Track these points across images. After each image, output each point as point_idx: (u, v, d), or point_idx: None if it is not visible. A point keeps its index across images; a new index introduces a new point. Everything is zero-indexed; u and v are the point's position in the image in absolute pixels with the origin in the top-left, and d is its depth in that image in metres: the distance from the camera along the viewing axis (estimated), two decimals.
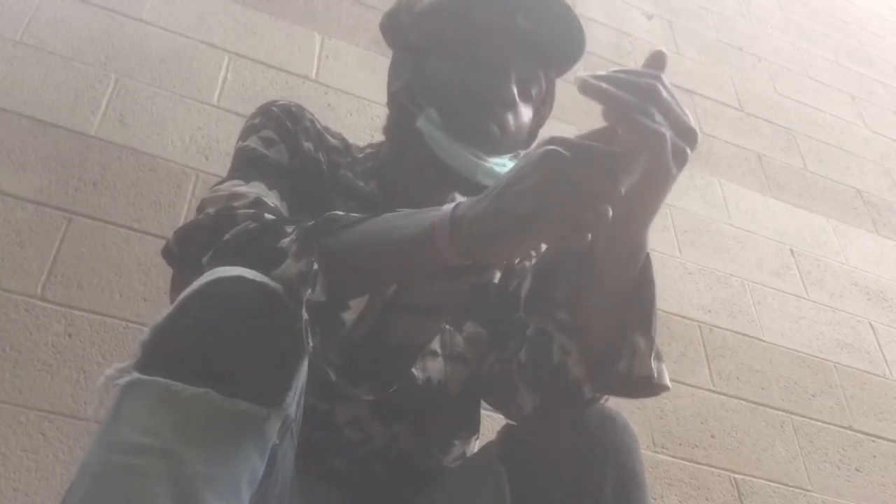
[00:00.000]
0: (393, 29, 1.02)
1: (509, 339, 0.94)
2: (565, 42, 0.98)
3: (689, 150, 0.67)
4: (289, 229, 0.73)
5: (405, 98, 0.96)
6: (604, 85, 0.64)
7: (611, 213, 0.61)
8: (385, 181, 1.01)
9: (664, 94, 0.65)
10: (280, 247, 0.71)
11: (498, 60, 0.94)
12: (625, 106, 0.63)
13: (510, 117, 0.94)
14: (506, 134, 0.93)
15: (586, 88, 0.64)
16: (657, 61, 0.68)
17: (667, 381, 0.77)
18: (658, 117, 0.64)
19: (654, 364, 0.76)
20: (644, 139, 0.63)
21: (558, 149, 0.62)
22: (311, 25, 2.07)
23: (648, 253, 0.75)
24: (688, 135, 0.67)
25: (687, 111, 0.67)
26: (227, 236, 0.75)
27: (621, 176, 0.62)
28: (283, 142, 0.94)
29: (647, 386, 0.76)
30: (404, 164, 1.00)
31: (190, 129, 1.69)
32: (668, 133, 0.64)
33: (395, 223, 0.71)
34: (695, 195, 2.31)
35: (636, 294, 0.75)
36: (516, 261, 1.05)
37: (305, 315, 0.65)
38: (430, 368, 0.94)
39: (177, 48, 1.82)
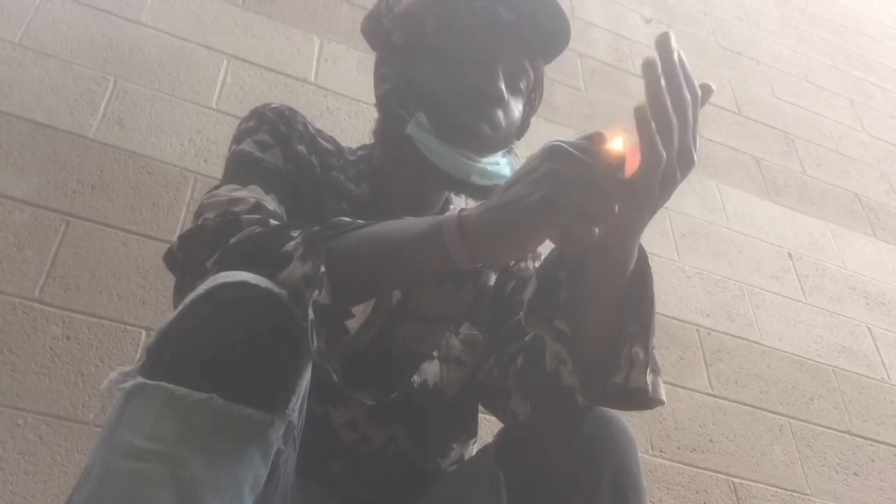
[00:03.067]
0: (375, 32, 1.02)
1: (508, 343, 0.94)
2: (550, 29, 0.97)
3: (680, 177, 0.64)
4: (294, 233, 0.73)
5: (393, 102, 0.95)
6: (663, 83, 0.62)
7: (616, 208, 0.61)
8: (377, 184, 1.01)
9: (690, 113, 0.64)
10: (285, 250, 0.71)
11: (483, 56, 0.94)
12: (657, 115, 0.62)
13: (500, 113, 0.93)
14: (497, 131, 0.93)
15: (649, 73, 0.62)
16: (707, 90, 0.67)
17: (662, 395, 0.77)
18: (673, 137, 0.62)
19: (649, 377, 0.75)
20: (643, 151, 0.62)
21: (563, 144, 0.62)
22: (309, 29, 2.07)
23: (650, 267, 0.75)
24: (685, 159, 0.64)
25: (697, 136, 0.65)
26: (232, 240, 0.75)
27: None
28: (277, 145, 0.93)
29: (642, 399, 0.76)
30: (395, 168, 1.00)
31: (188, 131, 1.69)
32: (665, 158, 0.62)
33: (401, 226, 0.71)
34: (693, 199, 2.31)
35: (634, 307, 0.75)
36: (512, 263, 1.05)
37: (311, 315, 0.65)
38: (427, 371, 0.94)
39: (175, 51, 1.82)
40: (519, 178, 0.65)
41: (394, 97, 0.96)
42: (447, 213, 0.68)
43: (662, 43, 0.63)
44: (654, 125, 0.61)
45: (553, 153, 0.63)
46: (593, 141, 0.64)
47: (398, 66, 0.98)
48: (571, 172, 0.61)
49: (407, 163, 0.93)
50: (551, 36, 0.98)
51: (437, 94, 0.93)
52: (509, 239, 0.64)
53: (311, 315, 0.65)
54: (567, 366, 0.77)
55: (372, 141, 1.05)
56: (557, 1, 0.96)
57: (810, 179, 2.63)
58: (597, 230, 0.61)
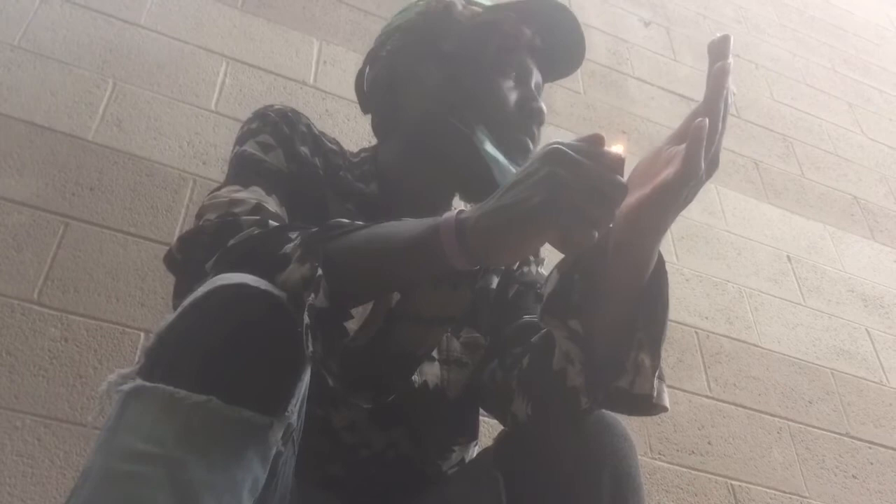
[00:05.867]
0: (425, 30, 1.01)
1: (513, 346, 0.93)
2: (571, 56, 1.03)
3: (705, 180, 0.67)
4: (292, 235, 0.73)
5: (442, 108, 0.96)
6: (732, 87, 0.66)
7: (616, 213, 0.62)
8: (386, 182, 1.01)
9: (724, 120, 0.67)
10: (284, 252, 0.71)
11: (530, 78, 0.99)
12: (713, 125, 0.65)
13: (538, 133, 0.99)
14: (536, 149, 0.97)
15: (720, 82, 0.66)
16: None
17: (666, 402, 0.77)
18: (714, 146, 0.66)
19: (655, 384, 0.75)
20: (687, 161, 0.64)
21: (562, 147, 0.63)
22: (308, 31, 2.07)
23: (666, 272, 0.75)
24: (712, 162, 0.67)
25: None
26: (231, 242, 0.75)
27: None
28: (280, 146, 0.93)
29: (646, 405, 0.76)
30: (409, 167, 1.00)
31: (187, 133, 1.69)
32: (703, 170, 0.65)
33: (399, 227, 0.71)
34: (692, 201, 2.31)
35: (647, 312, 0.75)
36: (515, 267, 1.05)
37: (307, 319, 0.65)
38: (427, 373, 0.94)
39: (175, 53, 1.82)
40: (518, 180, 0.65)
41: (441, 103, 0.97)
42: (445, 215, 0.67)
43: (720, 48, 0.66)
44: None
45: (552, 156, 0.63)
46: (592, 143, 0.64)
47: (439, 71, 0.99)
48: (571, 175, 0.61)
49: (460, 168, 0.95)
50: (570, 62, 1.05)
51: (500, 109, 0.95)
52: (507, 242, 0.64)
53: (306, 319, 0.65)
54: (575, 366, 0.77)
55: (372, 142, 1.05)
56: (579, 24, 1.01)
57: (809, 182, 2.63)
58: (596, 233, 0.62)
